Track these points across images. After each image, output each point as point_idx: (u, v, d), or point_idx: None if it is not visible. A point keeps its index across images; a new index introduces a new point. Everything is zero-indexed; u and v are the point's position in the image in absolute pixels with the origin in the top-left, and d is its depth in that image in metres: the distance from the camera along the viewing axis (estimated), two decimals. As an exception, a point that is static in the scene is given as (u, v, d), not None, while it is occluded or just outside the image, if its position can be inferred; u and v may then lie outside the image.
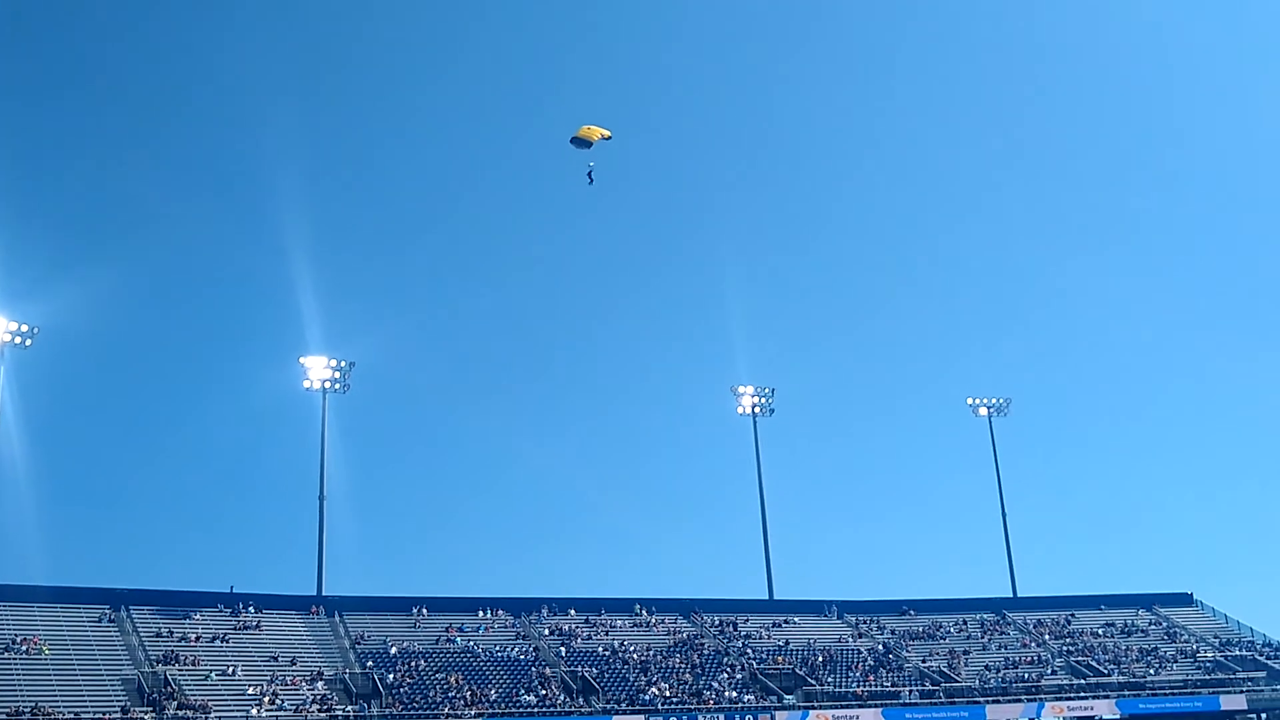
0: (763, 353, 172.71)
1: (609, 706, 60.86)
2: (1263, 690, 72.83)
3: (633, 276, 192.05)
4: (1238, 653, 78.36)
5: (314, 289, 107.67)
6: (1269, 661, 76.82)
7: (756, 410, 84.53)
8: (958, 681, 69.67)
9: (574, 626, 71.48)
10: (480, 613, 71.65)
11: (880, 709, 65.45)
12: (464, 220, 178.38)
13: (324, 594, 69.51)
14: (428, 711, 57.70)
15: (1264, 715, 74.35)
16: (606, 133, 49.58)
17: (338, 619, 67.65)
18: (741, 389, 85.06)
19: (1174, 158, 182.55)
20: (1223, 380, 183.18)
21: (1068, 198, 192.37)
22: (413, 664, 62.66)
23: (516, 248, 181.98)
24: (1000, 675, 71.35)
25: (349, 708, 57.46)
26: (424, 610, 70.42)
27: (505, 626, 70.77)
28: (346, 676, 60.50)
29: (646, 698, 62.09)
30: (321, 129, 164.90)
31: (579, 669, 64.86)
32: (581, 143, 49.93)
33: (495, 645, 67.20)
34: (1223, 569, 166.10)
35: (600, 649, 68.50)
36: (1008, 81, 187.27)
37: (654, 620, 74.57)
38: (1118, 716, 71.29)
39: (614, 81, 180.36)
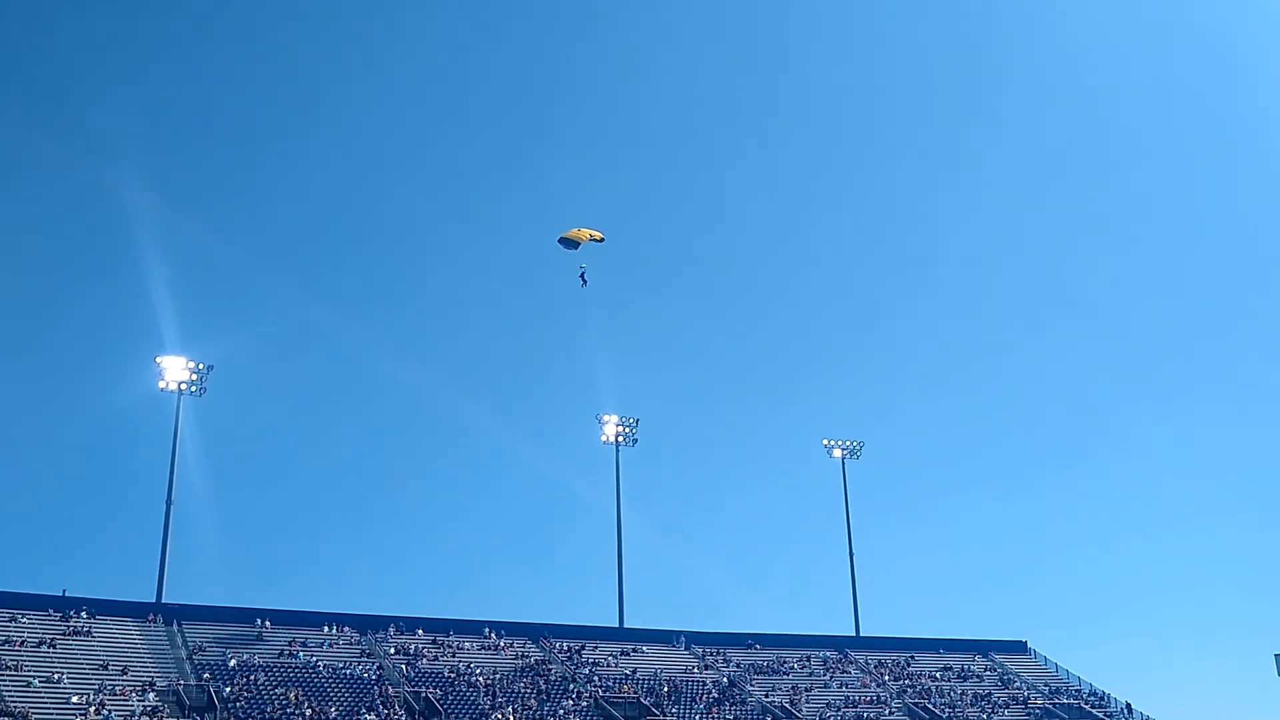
0: (629, 383, 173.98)
1: (451, 729, 60.25)
2: (1085, 738, 75.78)
3: (501, 298, 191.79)
4: (1065, 700, 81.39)
5: (174, 289, 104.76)
6: (1093, 710, 79.94)
7: (620, 439, 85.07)
8: (798, 718, 70.73)
9: (421, 646, 70.53)
10: (326, 628, 70.20)
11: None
12: (333, 235, 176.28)
13: (163, 601, 67.30)
14: (264, 727, 56.26)
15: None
16: (598, 235, 49.18)
17: (176, 628, 65.59)
18: (606, 418, 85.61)
19: (1031, 207, 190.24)
20: (1063, 435, 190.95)
21: (928, 243, 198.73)
22: (252, 677, 61.01)
23: (385, 258, 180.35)
24: (840, 713, 72.67)
25: (181, 720, 55.64)
26: (267, 623, 68.69)
27: (350, 643, 69.44)
28: (180, 688, 58.53)
29: (490, 722, 61.67)
30: (177, 113, 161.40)
31: (423, 690, 63.95)
32: (569, 244, 49.49)
33: (339, 662, 65.89)
34: (1056, 618, 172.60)
35: (446, 670, 67.69)
36: (869, 125, 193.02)
37: (502, 643, 74.05)
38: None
39: (481, 106, 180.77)
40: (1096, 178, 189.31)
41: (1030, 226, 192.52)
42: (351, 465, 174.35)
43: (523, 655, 72.86)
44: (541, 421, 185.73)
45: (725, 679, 75.31)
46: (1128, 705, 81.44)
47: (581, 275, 51.85)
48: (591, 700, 67.55)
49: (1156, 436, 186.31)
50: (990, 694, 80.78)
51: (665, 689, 71.11)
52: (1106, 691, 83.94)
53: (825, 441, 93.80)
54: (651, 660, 76.38)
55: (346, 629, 70.74)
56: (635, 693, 69.47)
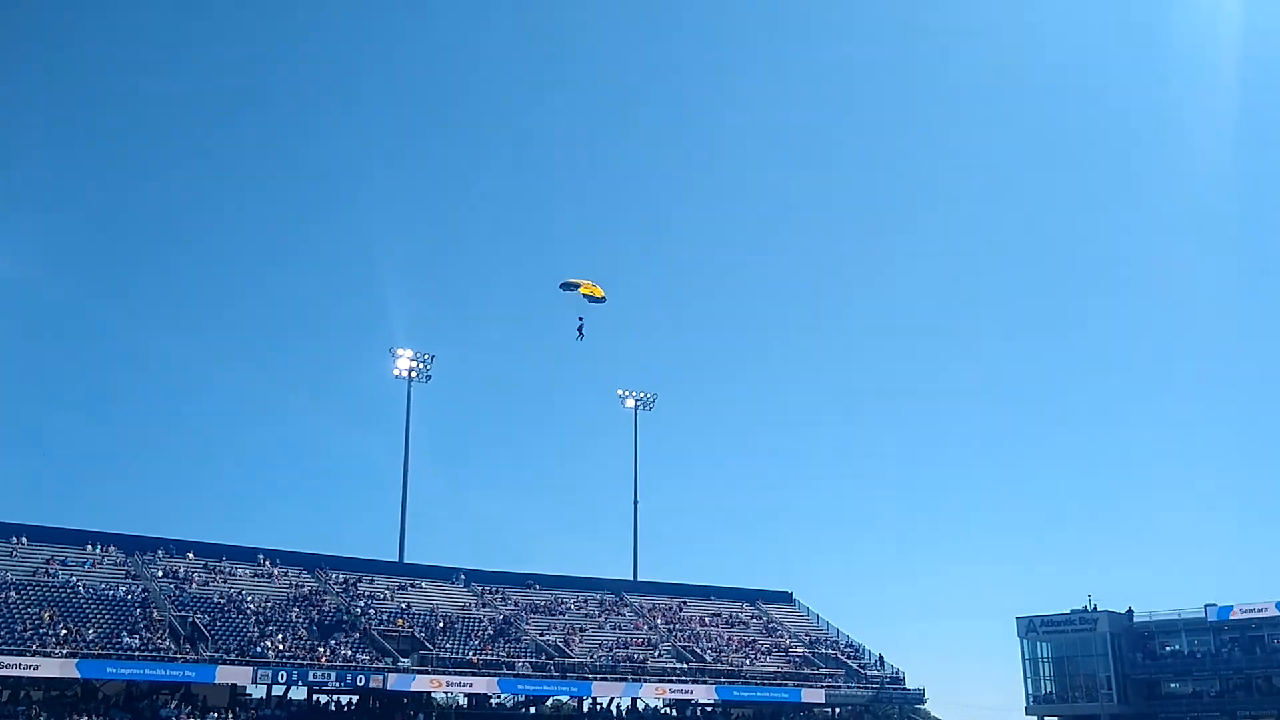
0: (426, 319, 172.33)
1: (217, 656, 58.72)
2: (840, 687, 79.80)
3: (295, 223, 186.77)
4: (823, 650, 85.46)
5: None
6: (849, 661, 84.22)
7: (413, 375, 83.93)
8: (570, 656, 72.09)
9: (190, 570, 68.61)
10: (89, 547, 67.48)
11: (494, 678, 66.89)
12: (114, 147, 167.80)
13: (-94, 513, 63.41)
14: (12, 647, 53.51)
15: (838, 710, 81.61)
16: (599, 292, 49.27)
17: (-80, 540, 61.93)
18: (400, 351, 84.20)
19: (822, 159, 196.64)
20: (835, 401, 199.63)
21: (723, 202, 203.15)
22: (2, 595, 58.10)
23: (170, 177, 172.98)
24: (611, 654, 74.37)
25: (-79, 637, 52.54)
26: (23, 539, 65.62)
27: (115, 564, 66.92)
28: (-78, 603, 55.37)
29: (259, 650, 60.44)
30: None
31: (190, 614, 62.22)
32: (570, 287, 49.42)
33: (101, 583, 63.37)
34: (821, 573, 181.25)
35: (216, 596, 65.99)
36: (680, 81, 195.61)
37: (277, 572, 72.72)
38: (713, 701, 76.40)
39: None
40: (880, 154, 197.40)
41: (825, 205, 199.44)
42: (127, 379, 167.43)
43: (297, 585, 71.73)
44: (331, 350, 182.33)
45: (501, 617, 76.02)
46: (880, 658, 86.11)
47: (579, 328, 51.71)
48: (363, 632, 67.15)
49: (916, 407, 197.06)
50: (755, 640, 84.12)
51: (441, 624, 71.29)
52: (862, 644, 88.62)
53: (619, 391, 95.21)
54: (429, 596, 76.38)
55: (111, 549, 68.16)
56: (409, 627, 69.40)
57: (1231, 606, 79.46)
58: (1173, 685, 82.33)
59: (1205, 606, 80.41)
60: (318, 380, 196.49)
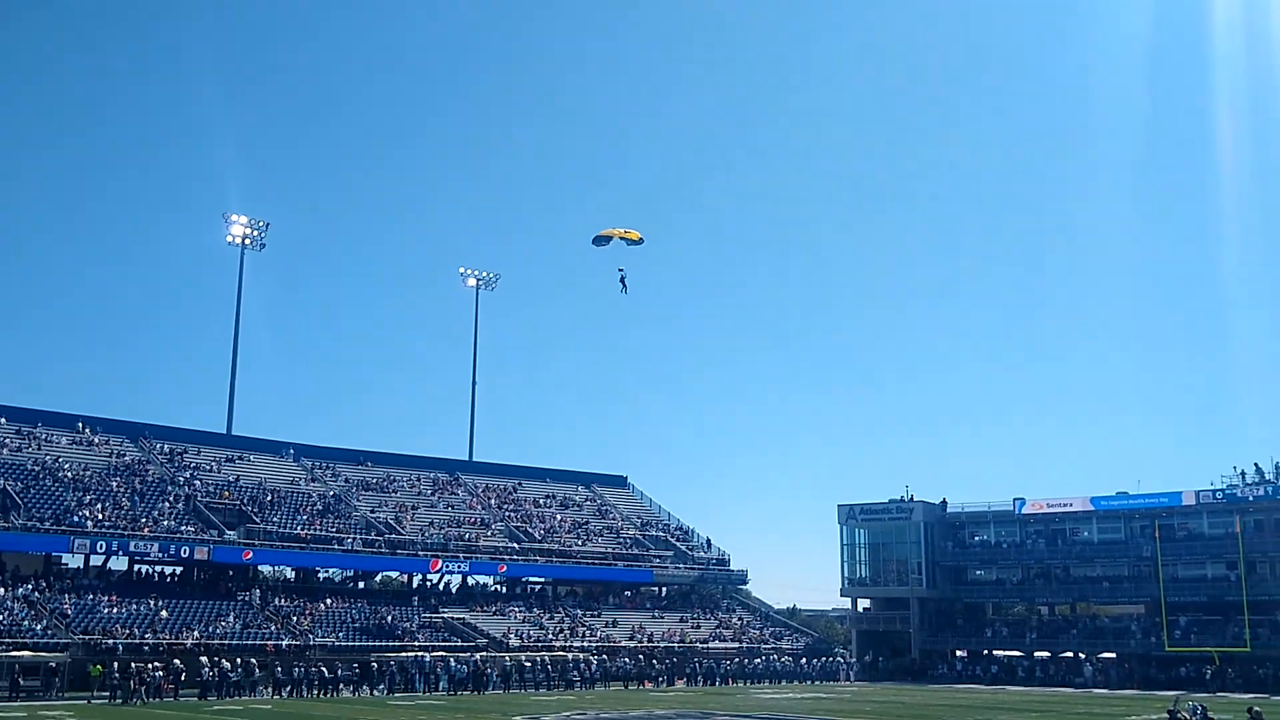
0: (261, 185, 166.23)
1: (30, 524, 56.62)
2: (668, 568, 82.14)
3: (123, 78, 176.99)
4: (654, 533, 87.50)
5: None
6: (677, 543, 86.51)
7: (247, 242, 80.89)
8: (401, 534, 72.05)
9: (2, 436, 65.68)
10: (-111, 408, 63.98)
11: (321, 552, 66.55)
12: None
13: None
14: None
15: (664, 589, 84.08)
16: (634, 235, 46.53)
17: None
18: (234, 217, 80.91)
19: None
20: (675, 294, 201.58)
21: (577, 85, 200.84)
22: None
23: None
24: (443, 532, 74.56)
25: None
26: None
27: (-82, 427, 63.68)
28: None
29: (76, 519, 58.52)
30: None
31: (1, 482, 59.74)
32: (603, 241, 46.70)
33: (-98, 446, 60.27)
34: (655, 456, 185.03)
35: (30, 463, 63.40)
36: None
37: (97, 440, 70.25)
38: (544, 580, 77.84)
39: None
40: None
41: (686, 99, 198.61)
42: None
43: (119, 454, 69.49)
44: (159, 213, 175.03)
45: (332, 493, 75.29)
46: (708, 540, 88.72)
47: (621, 280, 49.14)
48: (189, 505, 65.67)
49: (751, 297, 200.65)
50: (588, 523, 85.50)
51: (269, 498, 70.23)
52: (691, 527, 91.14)
53: (461, 269, 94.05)
54: (257, 469, 74.95)
55: (-86, 411, 64.80)
56: (236, 500, 68.17)
57: (1037, 500, 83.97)
58: (978, 572, 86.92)
59: (1014, 500, 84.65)
60: (146, 244, 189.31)
